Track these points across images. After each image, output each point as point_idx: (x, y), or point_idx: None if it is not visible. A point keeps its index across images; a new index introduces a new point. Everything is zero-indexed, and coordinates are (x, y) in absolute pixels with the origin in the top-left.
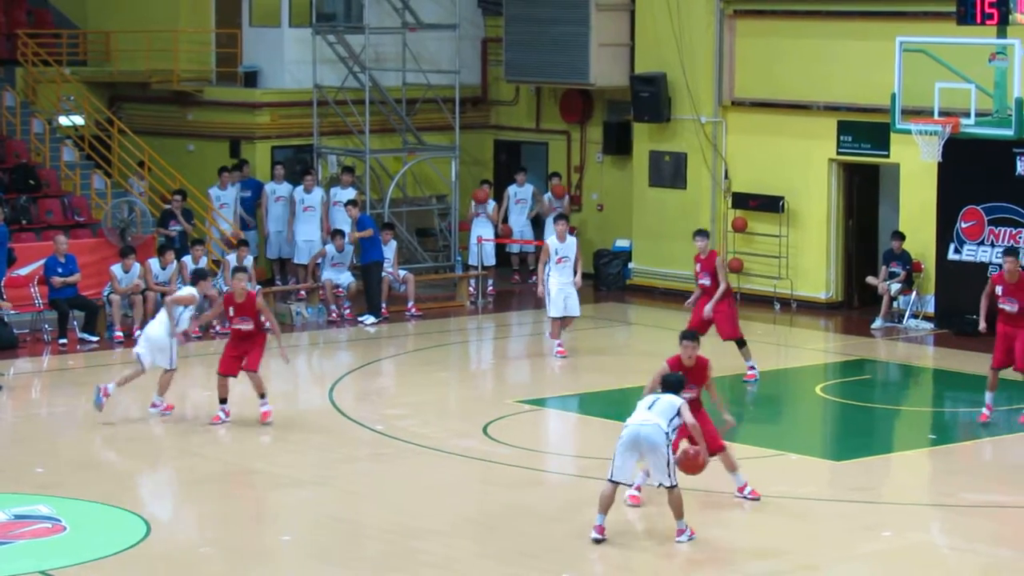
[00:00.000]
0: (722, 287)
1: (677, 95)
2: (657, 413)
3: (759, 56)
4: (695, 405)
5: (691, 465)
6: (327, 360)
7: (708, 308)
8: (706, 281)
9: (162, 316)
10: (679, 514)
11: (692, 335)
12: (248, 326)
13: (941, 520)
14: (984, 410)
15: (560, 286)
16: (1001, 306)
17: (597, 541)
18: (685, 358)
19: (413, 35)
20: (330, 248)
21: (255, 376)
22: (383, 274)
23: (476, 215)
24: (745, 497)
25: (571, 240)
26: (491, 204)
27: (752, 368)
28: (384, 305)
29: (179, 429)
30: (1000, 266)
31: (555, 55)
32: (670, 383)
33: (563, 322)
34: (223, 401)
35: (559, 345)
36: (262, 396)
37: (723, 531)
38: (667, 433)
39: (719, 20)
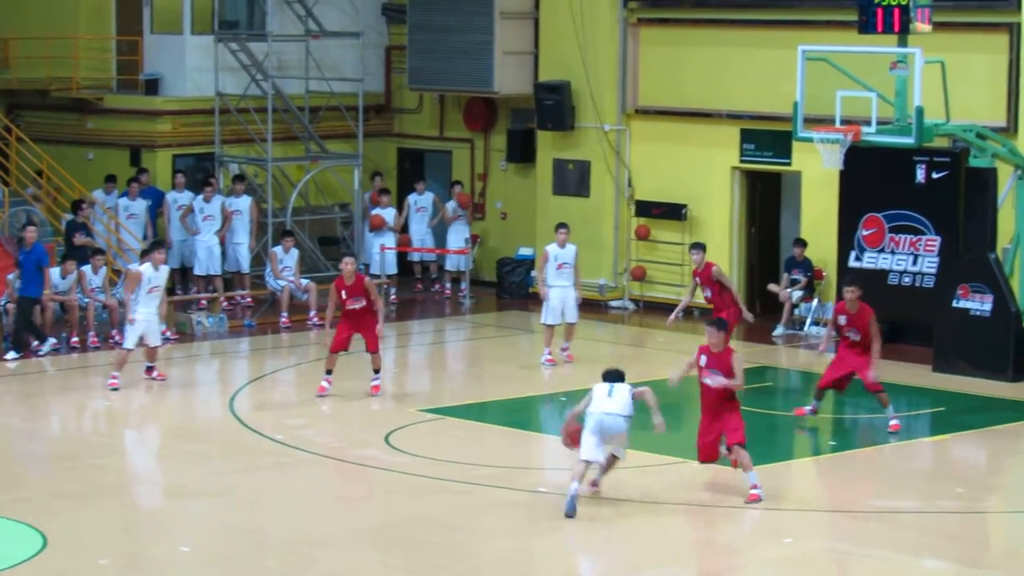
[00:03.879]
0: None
1: (581, 103)
2: (618, 402)
3: (663, 64)
4: (727, 395)
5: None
6: (227, 370)
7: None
8: (708, 293)
9: None
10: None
11: (717, 323)
12: (360, 304)
13: (842, 526)
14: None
15: (559, 293)
16: (845, 334)
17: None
18: (712, 345)
19: (316, 43)
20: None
21: (376, 356)
22: (284, 283)
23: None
24: (746, 498)
25: (571, 247)
26: (391, 212)
27: None
28: (286, 315)
29: (77, 438)
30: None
31: (459, 63)
32: (609, 374)
33: (567, 330)
34: (329, 372)
35: (549, 353)
36: (376, 371)
37: (624, 537)
38: (630, 416)
39: (623, 28)
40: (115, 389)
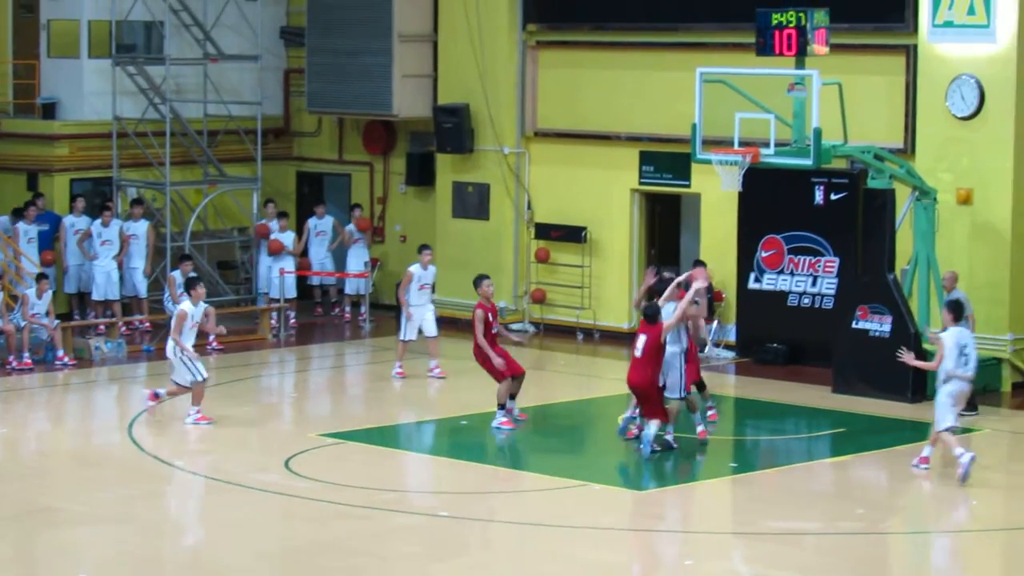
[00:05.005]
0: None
1: (480, 126)
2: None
3: (561, 87)
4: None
5: None
6: (126, 395)
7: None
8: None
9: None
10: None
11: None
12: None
13: (743, 548)
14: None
15: (419, 312)
16: None
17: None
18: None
19: (214, 66)
20: None
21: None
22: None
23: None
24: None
25: (432, 268)
26: (290, 236)
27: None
28: None
29: None
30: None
31: (358, 86)
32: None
33: (431, 345)
34: (513, 397)
35: (400, 367)
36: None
37: (525, 560)
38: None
39: (521, 51)
40: (207, 422)
